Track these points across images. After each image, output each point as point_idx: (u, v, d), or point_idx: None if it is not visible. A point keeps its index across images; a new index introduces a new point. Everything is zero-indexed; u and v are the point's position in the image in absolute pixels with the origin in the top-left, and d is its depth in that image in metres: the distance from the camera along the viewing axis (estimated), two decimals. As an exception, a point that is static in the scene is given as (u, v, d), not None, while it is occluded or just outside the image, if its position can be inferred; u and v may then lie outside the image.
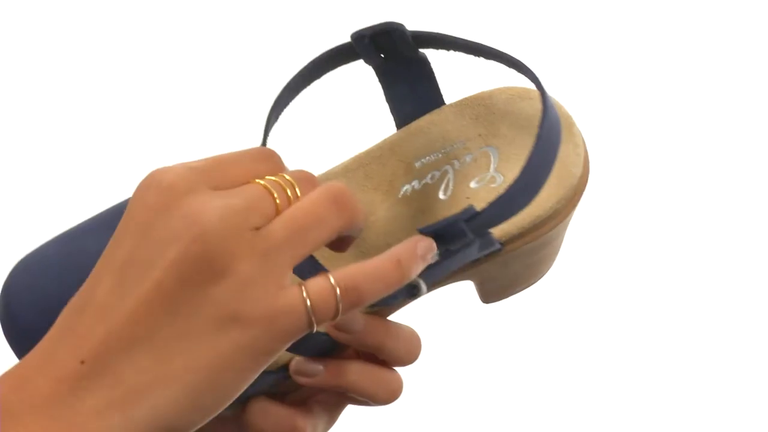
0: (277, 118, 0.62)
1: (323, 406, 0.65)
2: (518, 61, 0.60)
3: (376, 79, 0.67)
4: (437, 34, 0.62)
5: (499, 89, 0.67)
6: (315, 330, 0.51)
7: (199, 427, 0.59)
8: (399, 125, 0.68)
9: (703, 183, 1.31)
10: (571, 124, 0.66)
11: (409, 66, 0.65)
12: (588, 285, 1.25)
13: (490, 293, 0.69)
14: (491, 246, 0.61)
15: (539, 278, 0.69)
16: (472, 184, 0.65)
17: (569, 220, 0.67)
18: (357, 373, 0.62)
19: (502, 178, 0.65)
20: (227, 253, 0.50)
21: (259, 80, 1.25)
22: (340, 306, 0.51)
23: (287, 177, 0.53)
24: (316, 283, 0.51)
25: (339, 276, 0.51)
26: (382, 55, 0.64)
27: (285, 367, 0.64)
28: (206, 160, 0.53)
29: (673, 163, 1.32)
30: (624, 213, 1.29)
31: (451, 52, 0.64)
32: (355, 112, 1.00)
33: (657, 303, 1.29)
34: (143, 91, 1.30)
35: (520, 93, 0.67)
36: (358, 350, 0.62)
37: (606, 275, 1.27)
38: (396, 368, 0.63)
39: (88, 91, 1.31)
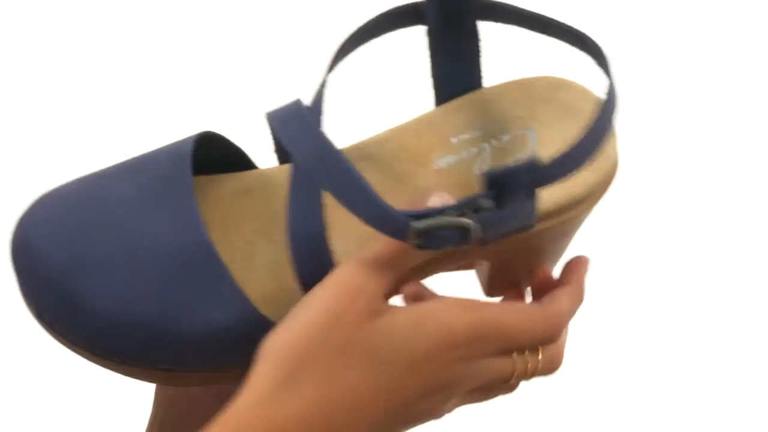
0: (332, 69, 0.62)
1: None
2: (585, 35, 0.61)
3: (411, 61, 0.68)
4: (503, 3, 0.63)
5: (539, 77, 0.68)
6: None
7: None
8: (438, 102, 0.68)
9: (714, 198, 1.32)
10: None
11: (460, 42, 0.66)
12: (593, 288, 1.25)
13: (495, 282, 0.68)
14: (529, 218, 0.61)
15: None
16: (510, 163, 0.66)
17: (585, 216, 0.67)
18: None
19: None
20: None
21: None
22: None
23: None
24: None
25: None
26: (442, 21, 0.65)
27: None
28: None
29: (680, 168, 1.33)
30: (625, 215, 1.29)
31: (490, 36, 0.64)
32: (394, 89, 1.00)
33: (659, 308, 1.29)
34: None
35: (559, 83, 0.68)
36: None
37: (608, 278, 1.27)
38: None
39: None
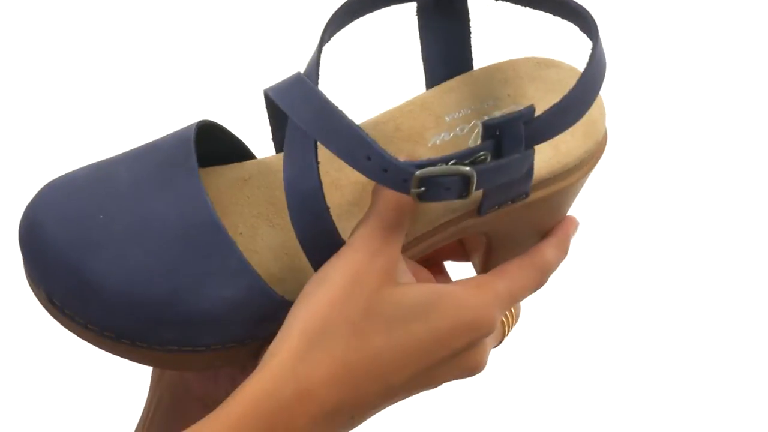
0: (328, 39, 0.63)
1: None
2: (576, 4, 0.63)
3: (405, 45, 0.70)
4: None
5: (525, 58, 0.71)
6: None
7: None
8: (429, 85, 0.70)
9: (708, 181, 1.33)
10: None
11: (451, 23, 0.68)
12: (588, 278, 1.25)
13: (490, 261, 0.70)
14: (524, 172, 0.63)
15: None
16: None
17: (579, 189, 0.69)
18: None
19: None
20: None
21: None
22: None
23: None
24: None
25: None
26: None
27: None
28: None
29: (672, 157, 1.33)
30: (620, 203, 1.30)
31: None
32: (386, 72, 1.02)
33: (656, 298, 1.29)
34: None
35: (547, 62, 0.70)
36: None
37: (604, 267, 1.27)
38: None
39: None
